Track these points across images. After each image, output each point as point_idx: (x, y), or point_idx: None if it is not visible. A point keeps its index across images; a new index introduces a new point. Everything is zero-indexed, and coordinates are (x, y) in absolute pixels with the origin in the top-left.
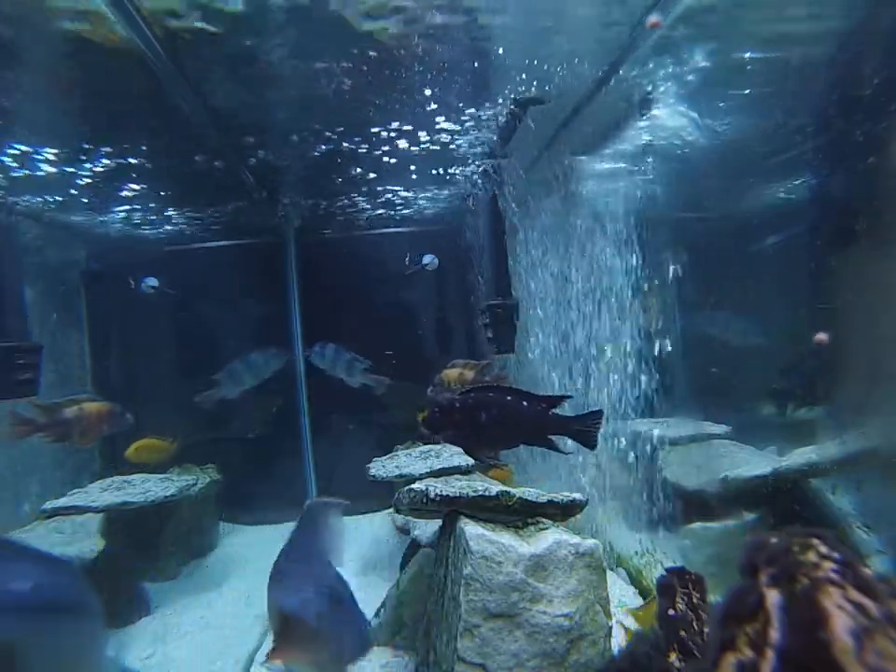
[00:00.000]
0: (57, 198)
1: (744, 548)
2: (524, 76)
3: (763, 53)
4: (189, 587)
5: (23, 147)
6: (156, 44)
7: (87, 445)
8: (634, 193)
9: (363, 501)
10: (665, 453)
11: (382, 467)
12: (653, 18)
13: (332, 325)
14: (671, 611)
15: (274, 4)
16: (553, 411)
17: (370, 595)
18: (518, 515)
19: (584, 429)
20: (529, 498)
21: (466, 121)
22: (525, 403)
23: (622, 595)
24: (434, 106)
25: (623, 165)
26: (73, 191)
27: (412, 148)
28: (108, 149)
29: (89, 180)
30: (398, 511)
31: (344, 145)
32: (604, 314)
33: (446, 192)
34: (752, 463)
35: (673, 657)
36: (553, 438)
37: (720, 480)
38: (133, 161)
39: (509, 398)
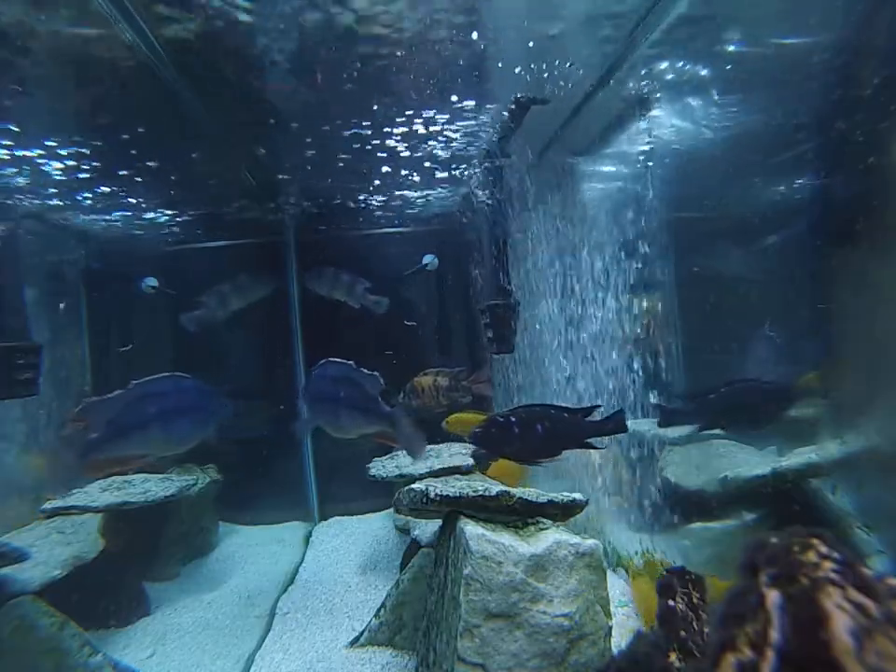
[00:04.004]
0: (58, 198)
1: (744, 548)
2: (524, 75)
3: (763, 53)
4: (189, 587)
5: (26, 152)
6: (160, 49)
7: None
8: (634, 193)
9: (363, 501)
10: (665, 453)
11: (382, 467)
12: None
13: (333, 325)
14: (672, 610)
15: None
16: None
17: (370, 595)
18: (518, 515)
19: (615, 426)
20: (529, 498)
21: (466, 121)
22: (565, 415)
23: (622, 595)
24: (434, 106)
25: (623, 165)
26: (73, 191)
27: (412, 148)
28: (109, 149)
29: (89, 180)
30: (398, 511)
31: (345, 145)
32: (604, 312)
33: (446, 192)
34: (752, 463)
35: (673, 657)
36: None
37: (720, 480)
38: (133, 161)
39: (552, 412)
